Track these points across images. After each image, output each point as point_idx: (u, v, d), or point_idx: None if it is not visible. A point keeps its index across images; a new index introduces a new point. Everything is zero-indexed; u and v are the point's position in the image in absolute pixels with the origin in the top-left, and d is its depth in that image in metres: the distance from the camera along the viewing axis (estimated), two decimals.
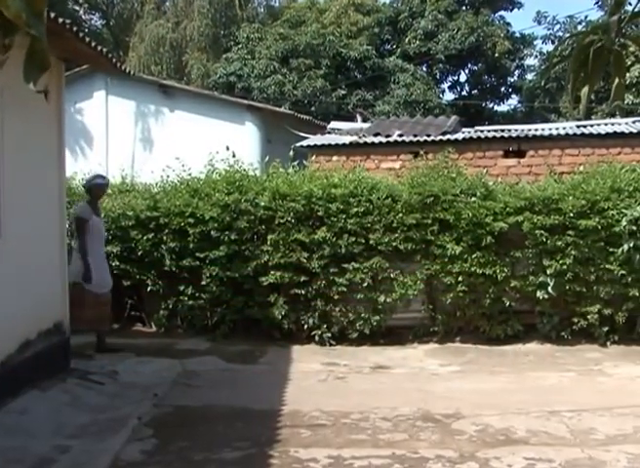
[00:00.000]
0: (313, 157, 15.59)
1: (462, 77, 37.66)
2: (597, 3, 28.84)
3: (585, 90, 3.62)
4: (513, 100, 39.84)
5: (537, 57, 37.51)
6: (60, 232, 9.18)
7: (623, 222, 10.75)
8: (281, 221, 11.23)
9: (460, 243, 10.98)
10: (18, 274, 7.71)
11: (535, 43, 37.28)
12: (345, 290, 11.16)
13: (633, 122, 16.74)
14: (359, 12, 33.44)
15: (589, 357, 10.45)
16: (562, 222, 10.90)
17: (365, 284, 11.12)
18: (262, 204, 11.28)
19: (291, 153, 12.75)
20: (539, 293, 10.97)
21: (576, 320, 11.00)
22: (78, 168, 14.39)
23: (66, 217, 9.87)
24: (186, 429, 7.10)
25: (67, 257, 9.82)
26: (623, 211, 10.83)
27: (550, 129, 16.61)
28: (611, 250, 10.90)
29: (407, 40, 32.82)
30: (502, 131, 16.62)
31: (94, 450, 6.25)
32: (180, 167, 12.15)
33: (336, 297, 11.23)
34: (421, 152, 13.91)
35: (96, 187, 10.58)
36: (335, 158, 15.90)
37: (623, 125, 16.54)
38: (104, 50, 9.28)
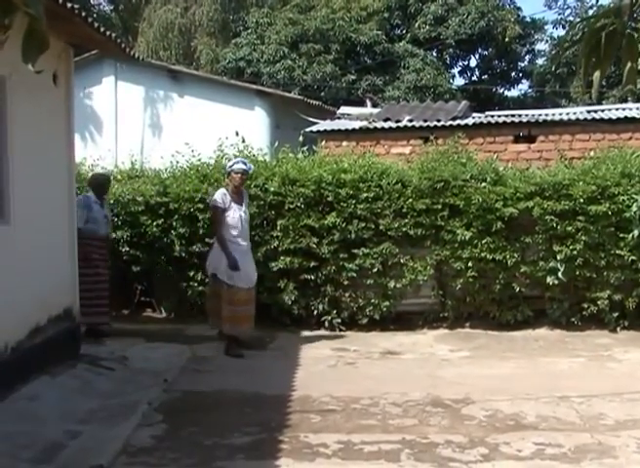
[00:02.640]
0: (323, 142, 15.56)
1: (473, 62, 37.54)
2: None
3: (597, 74, 3.59)
4: (524, 85, 39.89)
5: (547, 41, 37.41)
6: (70, 218, 9.18)
7: (634, 208, 10.72)
8: (291, 207, 11.22)
9: (471, 228, 10.96)
10: (27, 260, 7.73)
11: (545, 28, 37.17)
12: (355, 275, 11.16)
13: None
14: None
15: (599, 342, 10.44)
16: (572, 208, 10.87)
17: (375, 269, 11.12)
18: (272, 189, 11.27)
19: (300, 138, 12.73)
20: (549, 279, 10.95)
21: (586, 305, 10.99)
22: (87, 153, 14.40)
23: (75, 204, 9.87)
24: (196, 414, 7.13)
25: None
26: (634, 196, 10.80)
27: (561, 114, 16.55)
28: (621, 235, 10.87)
29: (417, 25, 32.66)
30: (513, 116, 16.56)
31: (104, 436, 6.27)
32: (190, 152, 12.15)
33: (345, 283, 11.23)
34: (432, 137, 13.87)
35: (234, 173, 9.95)
36: (344, 143, 15.88)
37: (635, 110, 16.46)
38: (113, 35, 9.25)
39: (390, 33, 33.40)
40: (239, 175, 9.92)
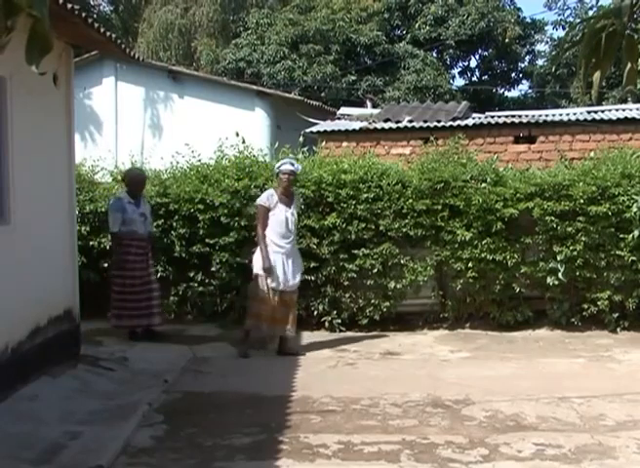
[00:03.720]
0: (323, 143, 15.56)
1: (473, 63, 37.64)
2: None
3: (597, 75, 3.59)
4: (524, 86, 39.89)
5: (547, 42, 37.48)
6: (70, 219, 9.18)
7: (634, 208, 10.72)
8: None
9: (471, 229, 10.95)
10: (28, 261, 7.72)
11: (545, 28, 37.23)
12: (355, 276, 11.14)
13: None
14: None
15: (599, 343, 10.43)
16: (572, 208, 10.86)
17: (375, 270, 11.10)
18: None
19: (300, 139, 12.71)
20: (549, 280, 10.95)
21: (586, 306, 10.98)
22: (87, 154, 14.39)
23: (76, 204, 9.85)
24: (196, 415, 7.12)
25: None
26: (634, 197, 10.80)
27: (561, 114, 16.56)
28: (621, 236, 10.87)
29: (417, 25, 32.71)
30: (513, 116, 16.59)
31: (104, 436, 6.27)
32: (190, 153, 12.14)
33: (345, 283, 11.21)
34: (432, 138, 13.86)
35: (282, 173, 9.78)
36: (345, 144, 15.89)
37: (635, 110, 16.48)
38: (113, 36, 9.26)
39: (390, 34, 33.46)
40: (286, 176, 9.78)
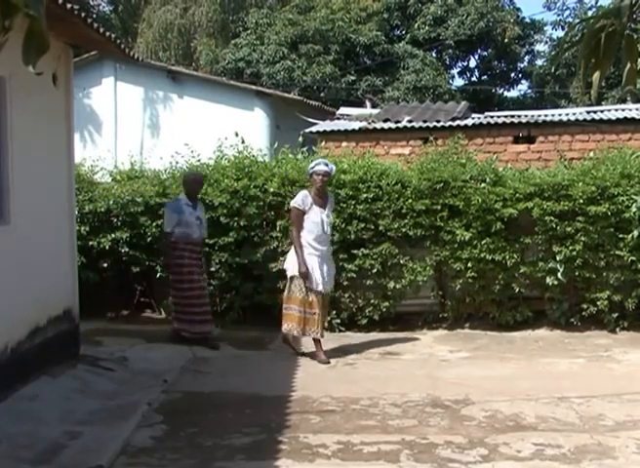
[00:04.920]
0: (322, 143, 15.57)
1: (472, 63, 37.65)
2: None
3: (597, 75, 3.59)
4: (523, 86, 39.95)
5: (547, 42, 37.51)
6: (70, 219, 9.17)
7: (633, 208, 10.72)
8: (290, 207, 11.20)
9: (470, 229, 10.96)
10: (27, 261, 7.72)
11: (545, 29, 37.27)
12: (355, 276, 11.14)
13: None
14: None
15: (599, 343, 10.43)
16: (572, 208, 10.86)
17: (374, 270, 11.10)
18: (272, 190, 11.26)
19: (300, 139, 12.71)
20: (548, 280, 10.95)
21: (585, 306, 10.98)
22: (87, 154, 14.39)
23: (76, 204, 9.84)
24: (196, 415, 7.12)
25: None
26: (633, 197, 10.80)
27: (560, 115, 16.56)
28: (621, 236, 10.87)
29: (416, 26, 32.72)
30: (512, 116, 16.59)
31: (104, 436, 6.27)
32: (189, 153, 12.13)
33: (345, 284, 11.20)
34: (431, 138, 13.86)
35: (315, 174, 9.63)
36: (344, 144, 15.88)
37: (634, 111, 16.47)
38: (113, 36, 9.25)
39: (390, 34, 33.47)
40: (320, 177, 9.60)
